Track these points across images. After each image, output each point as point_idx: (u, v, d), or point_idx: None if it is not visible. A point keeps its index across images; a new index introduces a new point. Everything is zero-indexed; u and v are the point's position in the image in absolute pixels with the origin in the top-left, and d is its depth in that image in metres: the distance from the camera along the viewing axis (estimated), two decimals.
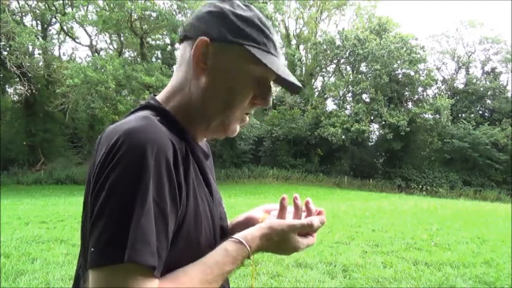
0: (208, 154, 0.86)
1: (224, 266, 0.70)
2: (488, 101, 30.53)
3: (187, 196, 0.70)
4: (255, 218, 0.88)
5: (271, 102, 0.81)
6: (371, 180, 26.47)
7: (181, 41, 0.81)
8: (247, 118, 0.82)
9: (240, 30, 0.75)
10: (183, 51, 0.80)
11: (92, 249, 0.61)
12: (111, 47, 29.39)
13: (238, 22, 0.75)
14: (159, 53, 26.56)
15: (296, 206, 0.83)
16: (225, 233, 0.85)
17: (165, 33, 25.61)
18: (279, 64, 0.77)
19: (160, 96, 0.82)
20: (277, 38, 0.80)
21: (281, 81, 0.79)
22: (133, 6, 19.57)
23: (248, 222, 0.88)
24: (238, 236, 0.74)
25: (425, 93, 29.07)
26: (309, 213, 0.83)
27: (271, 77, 0.79)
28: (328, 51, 28.72)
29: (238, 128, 0.82)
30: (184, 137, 0.76)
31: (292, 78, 0.78)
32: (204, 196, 0.77)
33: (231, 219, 0.94)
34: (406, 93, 27.63)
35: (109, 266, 0.59)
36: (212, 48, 0.75)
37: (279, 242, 0.77)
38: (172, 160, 0.66)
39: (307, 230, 0.79)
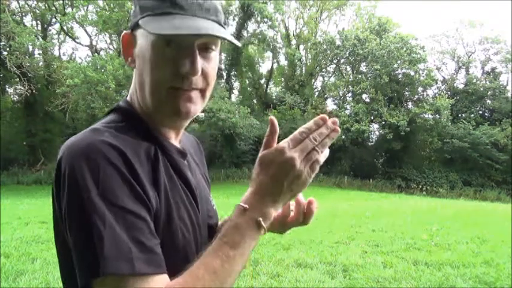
0: (185, 153, 0.82)
1: (236, 240, 0.66)
2: (488, 101, 30.51)
3: (159, 200, 0.69)
4: None
5: (198, 66, 0.69)
6: (371, 180, 26.44)
7: None
8: (193, 94, 0.73)
9: (139, 8, 0.72)
10: None
11: (76, 270, 0.62)
12: (111, 47, 29.35)
13: (137, 1, 0.73)
14: None
15: (273, 128, 0.74)
16: (213, 231, 0.82)
17: None
18: (175, 21, 0.67)
19: (128, 98, 0.81)
20: None
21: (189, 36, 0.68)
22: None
23: None
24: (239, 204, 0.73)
25: (425, 93, 29.14)
26: (298, 204, 0.82)
27: (182, 39, 0.69)
28: (328, 51, 28.73)
29: (190, 107, 0.73)
30: (153, 138, 0.75)
31: (193, 29, 0.67)
32: (179, 198, 0.74)
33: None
34: (406, 93, 27.65)
35: (94, 281, 0.60)
36: (131, 39, 0.76)
37: (276, 175, 0.70)
38: (124, 167, 0.64)
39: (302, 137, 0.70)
